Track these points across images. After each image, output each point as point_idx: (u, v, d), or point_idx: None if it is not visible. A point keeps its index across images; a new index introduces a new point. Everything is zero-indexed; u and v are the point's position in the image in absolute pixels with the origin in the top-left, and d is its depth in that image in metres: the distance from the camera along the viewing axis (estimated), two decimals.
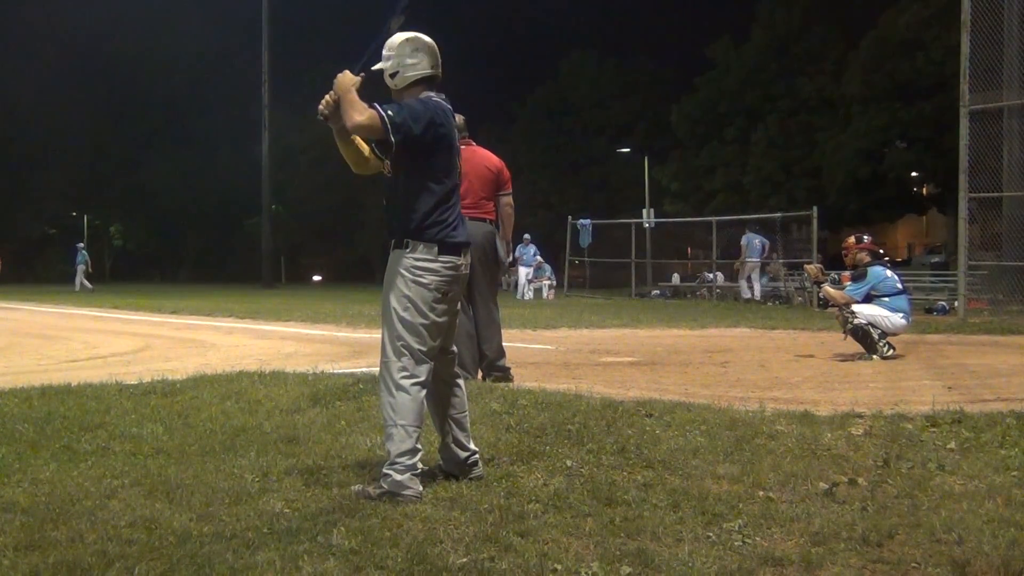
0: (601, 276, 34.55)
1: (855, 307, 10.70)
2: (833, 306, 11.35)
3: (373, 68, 4.67)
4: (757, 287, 26.61)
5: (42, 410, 6.46)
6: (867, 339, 10.55)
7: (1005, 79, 17.28)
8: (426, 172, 4.55)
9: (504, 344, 8.54)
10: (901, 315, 10.71)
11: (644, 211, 39.25)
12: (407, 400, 4.39)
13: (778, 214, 31.15)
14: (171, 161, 67.06)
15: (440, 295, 4.49)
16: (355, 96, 4.43)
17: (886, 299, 10.73)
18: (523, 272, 30.98)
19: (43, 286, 45.78)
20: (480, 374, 8.24)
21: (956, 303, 18.09)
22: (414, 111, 4.46)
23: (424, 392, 4.48)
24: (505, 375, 8.29)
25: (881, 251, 12.16)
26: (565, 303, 26.67)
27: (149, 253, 74.60)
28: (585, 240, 31.97)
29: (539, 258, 31.93)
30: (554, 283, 32.56)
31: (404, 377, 4.42)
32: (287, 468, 4.83)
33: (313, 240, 74.16)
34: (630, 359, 10.95)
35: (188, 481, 4.58)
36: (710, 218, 31.20)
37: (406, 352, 4.43)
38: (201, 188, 67.87)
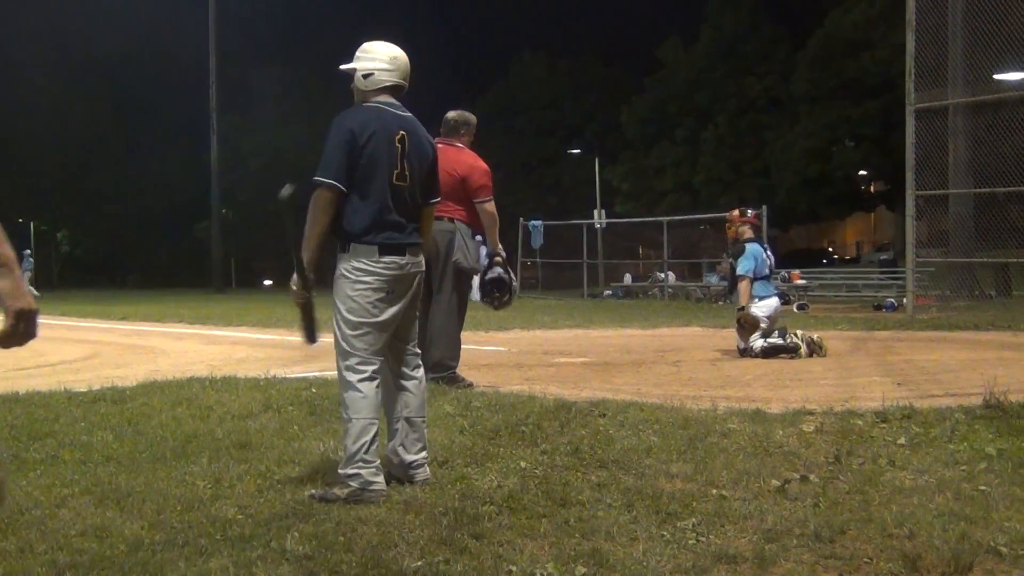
0: (553, 277, 34.60)
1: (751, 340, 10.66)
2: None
3: (344, 67, 4.77)
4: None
5: None
6: (778, 351, 10.42)
7: (950, 77, 17.56)
8: (358, 180, 4.59)
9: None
10: (772, 298, 11.05)
11: (595, 212, 39.39)
12: (358, 397, 4.48)
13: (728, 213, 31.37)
14: (119, 166, 66.09)
15: (383, 294, 4.57)
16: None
17: (756, 298, 10.85)
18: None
19: None
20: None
21: (904, 300, 18.31)
22: (333, 140, 4.58)
23: (375, 386, 4.54)
24: (449, 374, 7.92)
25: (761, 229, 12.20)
26: (517, 304, 26.56)
27: (98, 259, 73.50)
28: (537, 241, 31.95)
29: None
30: None
31: (352, 375, 4.51)
32: (239, 474, 4.79)
33: (264, 244, 73.52)
34: (583, 359, 10.99)
35: (139, 488, 4.53)
36: (661, 218, 31.34)
37: (353, 352, 4.53)
38: (150, 193, 66.91)
